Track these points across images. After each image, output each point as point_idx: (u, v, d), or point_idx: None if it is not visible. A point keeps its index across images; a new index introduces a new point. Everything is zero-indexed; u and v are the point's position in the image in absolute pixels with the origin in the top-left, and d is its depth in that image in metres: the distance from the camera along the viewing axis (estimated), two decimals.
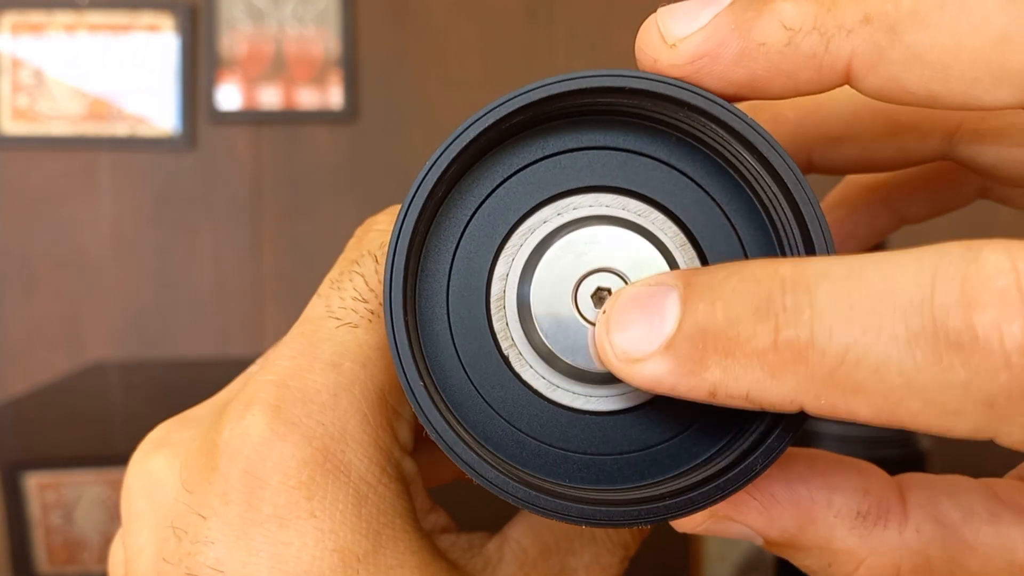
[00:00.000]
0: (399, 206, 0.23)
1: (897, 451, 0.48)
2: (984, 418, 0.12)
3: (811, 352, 0.13)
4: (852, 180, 0.25)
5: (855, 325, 0.12)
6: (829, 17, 0.15)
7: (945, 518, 0.17)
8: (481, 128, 0.17)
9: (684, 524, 0.18)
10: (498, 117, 0.17)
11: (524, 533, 0.21)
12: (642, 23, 0.17)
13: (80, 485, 0.67)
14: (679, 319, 0.14)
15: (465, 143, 0.17)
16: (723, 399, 0.14)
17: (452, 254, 0.18)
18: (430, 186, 0.17)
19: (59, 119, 1.59)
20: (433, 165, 0.17)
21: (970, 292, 0.12)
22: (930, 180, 0.24)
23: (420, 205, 0.17)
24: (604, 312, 0.16)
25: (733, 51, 0.16)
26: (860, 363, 0.12)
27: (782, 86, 0.16)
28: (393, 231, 0.17)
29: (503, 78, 1.61)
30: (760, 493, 0.17)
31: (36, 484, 0.66)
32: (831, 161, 0.22)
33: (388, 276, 0.17)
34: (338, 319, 0.20)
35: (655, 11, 0.17)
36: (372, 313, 0.21)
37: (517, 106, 0.17)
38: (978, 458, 0.72)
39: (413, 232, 0.17)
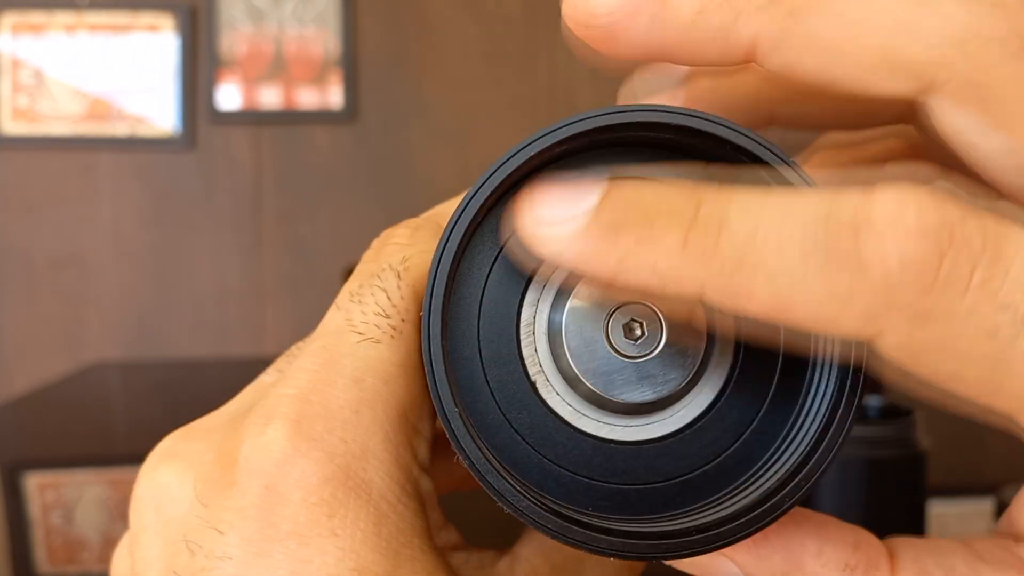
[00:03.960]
0: (416, 219, 0.23)
1: (897, 451, 0.48)
2: (861, 327, 0.13)
3: (715, 254, 0.14)
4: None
5: (759, 236, 0.14)
6: None
7: None
8: (525, 158, 0.17)
9: (677, 560, 0.18)
10: (542, 147, 0.17)
11: (535, 552, 0.21)
12: None
13: (80, 485, 0.67)
14: (604, 193, 0.15)
15: (508, 172, 0.17)
16: (627, 273, 0.14)
17: (485, 278, 0.18)
18: (472, 214, 0.17)
19: (59, 119, 1.59)
20: (476, 192, 0.17)
21: (860, 216, 0.13)
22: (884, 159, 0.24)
23: (461, 234, 0.17)
24: (520, 201, 0.16)
25: (647, 11, 0.16)
26: (759, 269, 0.13)
27: (690, 54, 0.17)
28: (433, 259, 0.17)
29: (503, 78, 1.61)
30: None
31: (36, 484, 0.66)
32: (794, 116, 0.22)
33: (427, 301, 0.17)
34: (360, 334, 0.20)
35: None
36: (394, 329, 0.20)
37: (562, 136, 0.17)
38: (977, 458, 0.72)
39: (453, 260, 0.17)
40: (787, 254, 0.13)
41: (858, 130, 0.23)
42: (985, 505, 0.56)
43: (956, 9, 0.15)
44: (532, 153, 0.17)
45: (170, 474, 0.21)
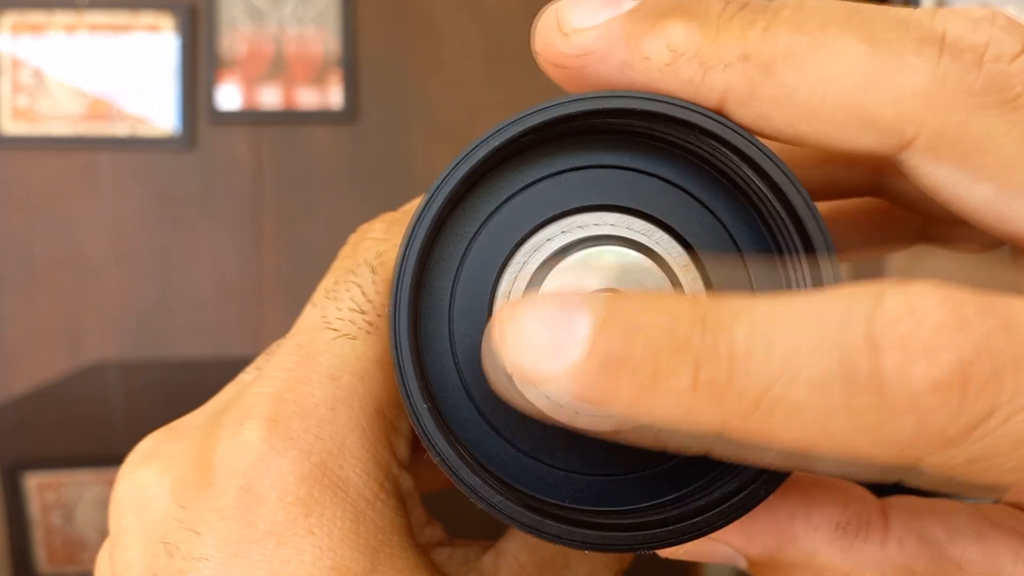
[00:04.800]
0: (393, 213, 0.23)
1: None
2: (899, 458, 0.12)
3: (728, 393, 0.12)
4: None
5: (772, 366, 0.12)
6: (711, 49, 0.16)
7: (930, 535, 0.17)
8: (491, 147, 0.17)
9: (666, 550, 0.18)
10: (509, 136, 0.17)
11: (520, 547, 0.21)
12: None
13: (80, 485, 0.67)
14: (590, 343, 0.13)
15: (474, 163, 0.17)
16: (637, 413, 0.13)
17: (456, 271, 0.18)
18: (437, 206, 0.17)
19: (59, 119, 1.59)
20: (441, 184, 0.17)
21: (874, 336, 0.12)
22: (859, 216, 0.24)
23: (427, 226, 0.17)
24: (497, 324, 0.13)
25: (619, 57, 0.17)
26: (776, 406, 0.12)
27: None
28: (399, 253, 0.17)
29: (503, 78, 1.61)
30: None
31: (36, 484, 0.66)
32: None
33: (395, 296, 0.17)
34: (335, 330, 0.20)
35: None
36: (370, 324, 0.20)
37: (528, 125, 0.16)
38: None
39: (419, 253, 0.17)
40: (804, 386, 0.12)
41: (822, 200, 0.23)
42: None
43: (921, 63, 0.15)
44: (497, 143, 0.17)
45: (148, 475, 0.20)
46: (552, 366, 0.13)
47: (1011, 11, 1.58)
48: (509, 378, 0.14)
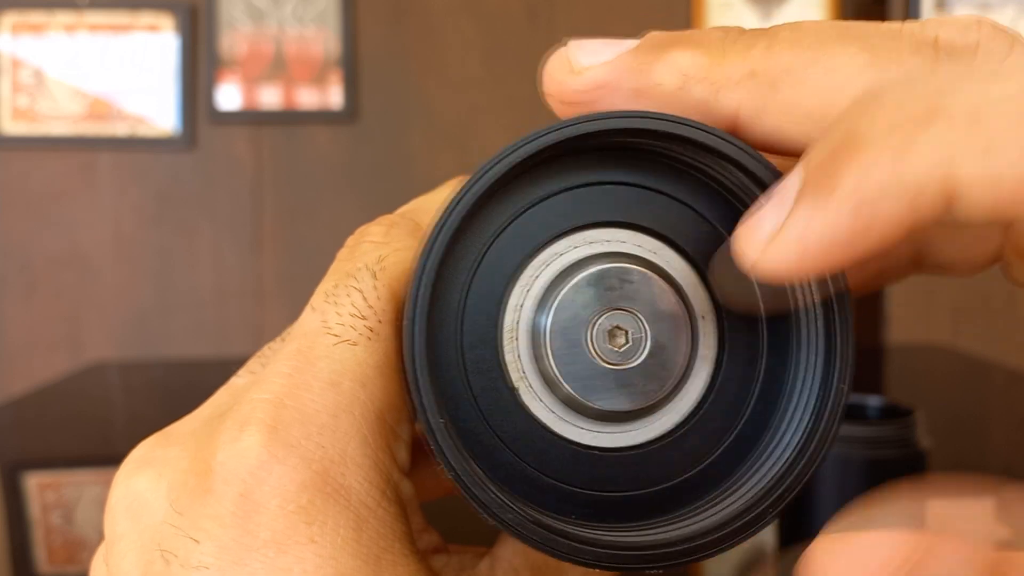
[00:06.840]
0: (391, 216, 0.23)
1: (897, 451, 0.48)
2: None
3: (943, 110, 0.13)
4: None
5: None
6: (719, 70, 0.17)
7: None
8: (507, 166, 0.17)
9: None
10: (526, 154, 0.16)
11: (515, 553, 0.21)
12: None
13: (80, 485, 0.67)
14: (805, 162, 0.14)
15: (491, 181, 0.17)
16: (868, 208, 0.13)
17: (467, 284, 0.18)
18: (454, 226, 0.17)
19: (59, 119, 1.59)
20: (457, 204, 0.17)
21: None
22: None
23: (444, 243, 0.17)
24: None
25: (631, 86, 0.17)
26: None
27: None
28: (414, 269, 0.17)
29: (503, 78, 1.61)
30: None
31: (36, 484, 0.66)
32: None
33: (410, 312, 0.17)
34: (336, 336, 0.20)
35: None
36: (370, 330, 0.20)
37: (546, 144, 0.16)
38: (978, 458, 0.72)
39: (436, 270, 0.17)
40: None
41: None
42: None
43: (920, 63, 0.15)
44: (514, 162, 0.17)
45: (144, 481, 0.20)
46: (783, 212, 0.14)
47: (1010, 12, 1.57)
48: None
